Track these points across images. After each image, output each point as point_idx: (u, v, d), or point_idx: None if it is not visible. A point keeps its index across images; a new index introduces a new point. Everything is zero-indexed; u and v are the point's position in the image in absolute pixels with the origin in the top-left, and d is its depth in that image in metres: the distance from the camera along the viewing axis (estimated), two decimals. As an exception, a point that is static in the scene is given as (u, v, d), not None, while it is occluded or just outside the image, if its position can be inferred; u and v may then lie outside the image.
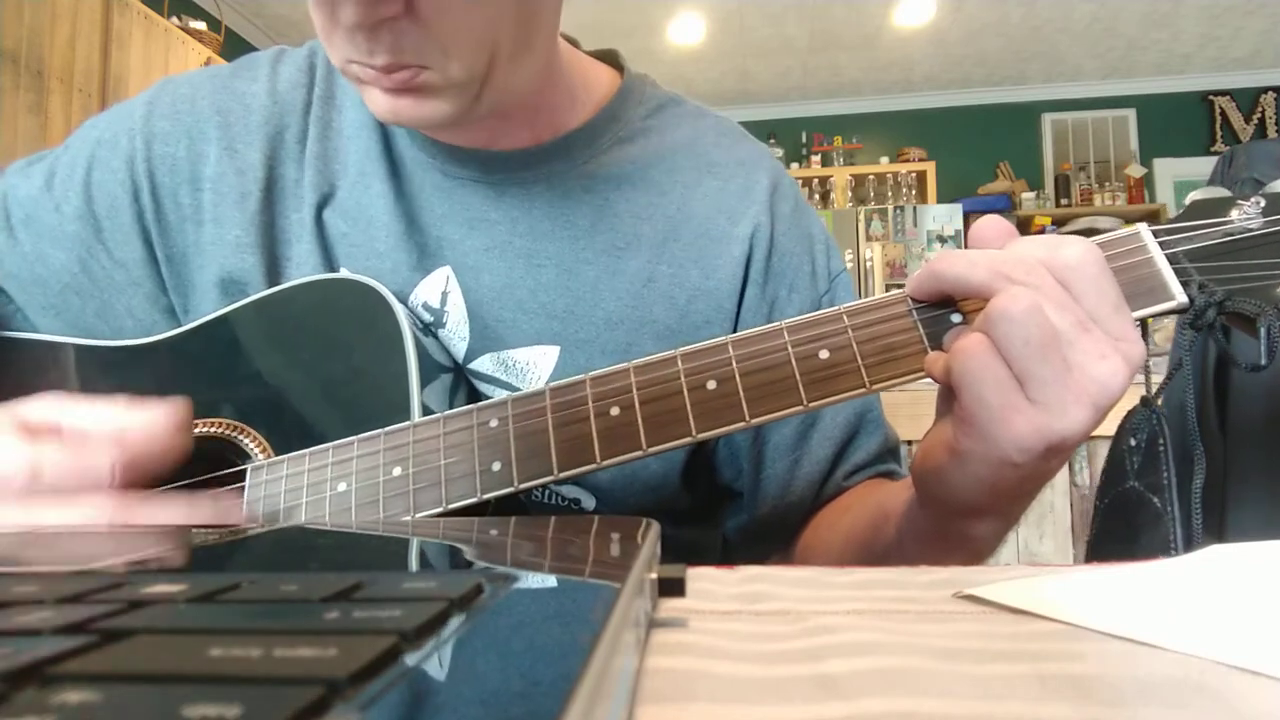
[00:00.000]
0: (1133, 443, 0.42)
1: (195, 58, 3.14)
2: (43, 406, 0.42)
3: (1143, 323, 0.39)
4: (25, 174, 0.62)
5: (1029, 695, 0.18)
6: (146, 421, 0.41)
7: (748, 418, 0.41)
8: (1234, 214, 0.40)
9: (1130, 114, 5.39)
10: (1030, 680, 0.19)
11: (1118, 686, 0.18)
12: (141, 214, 0.58)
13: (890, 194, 5.30)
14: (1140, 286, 0.39)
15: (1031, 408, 0.35)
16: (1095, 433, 0.42)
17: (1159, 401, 0.42)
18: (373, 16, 0.43)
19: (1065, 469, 1.78)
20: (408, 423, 0.45)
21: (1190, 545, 0.39)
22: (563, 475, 0.42)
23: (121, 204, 0.58)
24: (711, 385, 0.42)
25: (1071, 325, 0.36)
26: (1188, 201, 0.43)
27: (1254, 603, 0.24)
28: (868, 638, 0.22)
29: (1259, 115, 5.20)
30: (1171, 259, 0.40)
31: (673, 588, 0.25)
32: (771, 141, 5.40)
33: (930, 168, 5.28)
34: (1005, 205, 5.09)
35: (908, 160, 5.34)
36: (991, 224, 0.41)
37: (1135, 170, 5.27)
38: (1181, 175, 5.14)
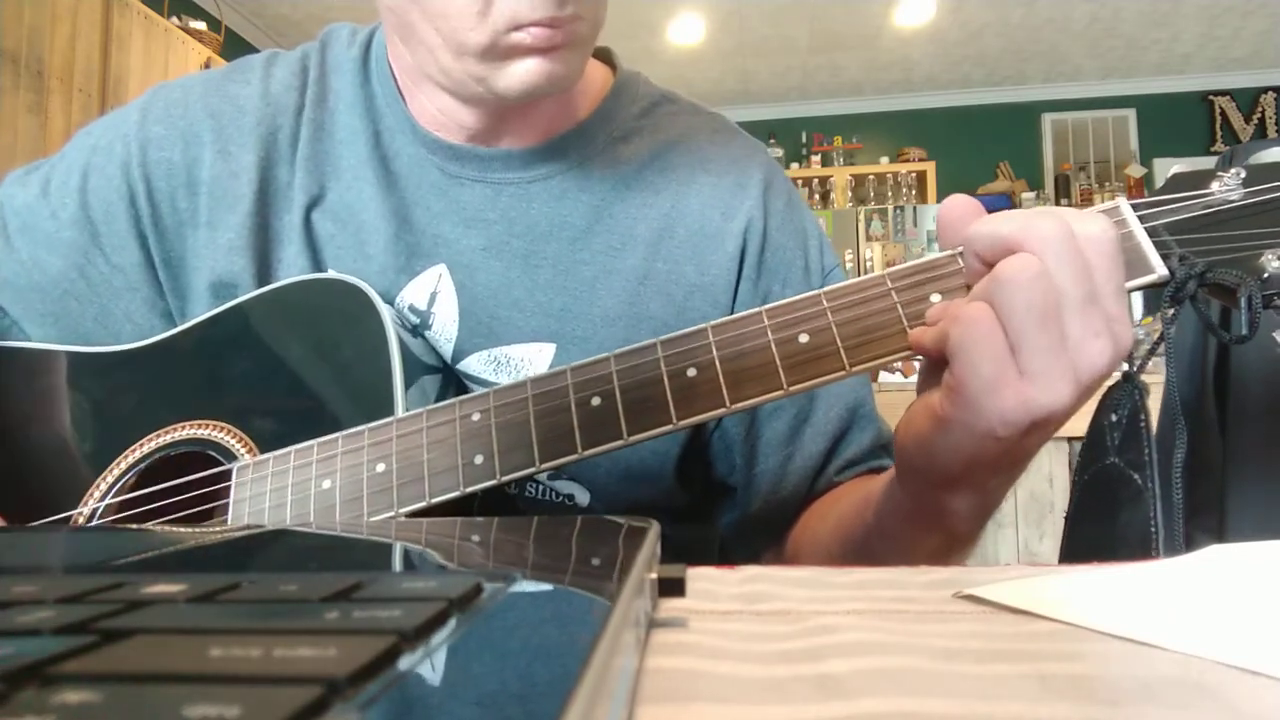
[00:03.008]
0: (1114, 418, 0.42)
1: (195, 58, 3.14)
2: None
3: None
4: (22, 182, 0.62)
5: (1029, 695, 0.18)
6: None
7: (728, 403, 0.41)
8: (1214, 186, 0.40)
9: (1130, 114, 5.39)
10: (1030, 680, 0.19)
11: (1118, 686, 0.18)
12: (138, 219, 0.58)
13: (890, 194, 5.30)
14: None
15: (1020, 380, 0.36)
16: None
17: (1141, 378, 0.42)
18: None
19: (1066, 470, 1.78)
20: (391, 418, 0.45)
21: (1171, 523, 0.39)
22: (544, 466, 0.42)
23: (118, 209, 0.58)
24: (692, 372, 0.42)
25: (1080, 297, 0.36)
26: (1169, 175, 0.43)
27: (1254, 603, 0.24)
28: (868, 638, 0.22)
29: (1259, 115, 5.20)
30: (1151, 232, 0.40)
31: (673, 588, 0.25)
32: (771, 141, 5.40)
33: (930, 168, 5.28)
34: (1005, 205, 5.09)
35: (908, 160, 5.35)
36: (958, 202, 0.41)
37: (1135, 170, 5.27)
38: (1181, 175, 5.14)
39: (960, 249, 0.41)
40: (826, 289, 0.42)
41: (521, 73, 0.50)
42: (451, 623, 0.16)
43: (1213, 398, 0.82)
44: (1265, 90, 5.16)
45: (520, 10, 0.47)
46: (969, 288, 0.40)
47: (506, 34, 0.48)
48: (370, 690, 0.12)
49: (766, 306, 0.42)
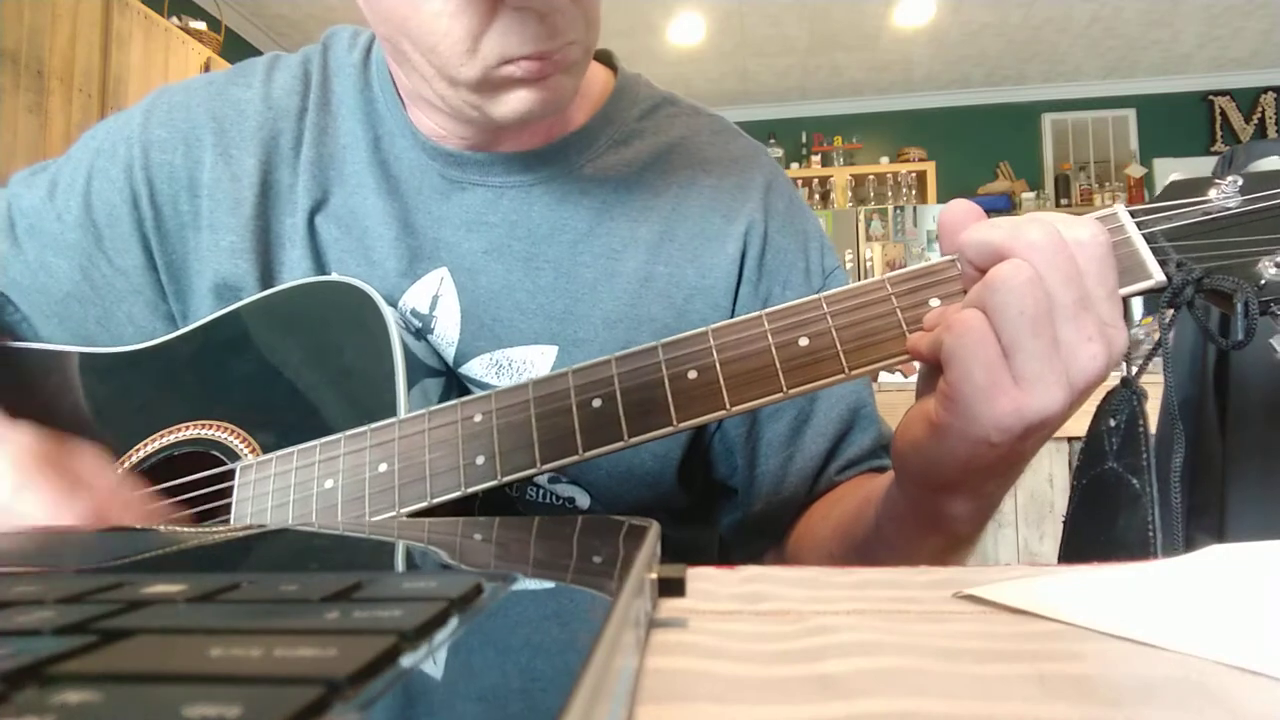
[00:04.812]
0: (1112, 423, 0.42)
1: (195, 58, 3.14)
2: (92, 462, 0.46)
3: (1126, 305, 0.39)
4: (29, 184, 0.62)
5: (1029, 695, 0.18)
6: (125, 510, 0.44)
7: (728, 406, 0.41)
8: (1212, 193, 0.40)
9: (1130, 114, 5.39)
10: (1030, 680, 0.19)
11: (1118, 686, 0.18)
12: (141, 221, 0.59)
13: (890, 194, 5.30)
14: (1118, 266, 0.39)
15: (1014, 387, 0.36)
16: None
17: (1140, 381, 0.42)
18: None
19: (1066, 470, 1.78)
20: (393, 419, 0.46)
21: (1169, 527, 0.39)
22: (546, 467, 0.42)
23: (121, 212, 0.59)
24: (692, 375, 0.42)
25: (1071, 301, 0.36)
26: (1167, 182, 0.43)
27: (1254, 603, 0.24)
28: (868, 638, 0.22)
29: (1259, 115, 5.20)
30: (1149, 239, 0.40)
31: (673, 588, 0.25)
32: (771, 141, 5.40)
33: (930, 168, 5.28)
34: (1005, 205, 5.09)
35: (908, 160, 5.35)
36: (958, 207, 0.41)
37: (1135, 170, 5.27)
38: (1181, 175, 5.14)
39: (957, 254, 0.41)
40: (826, 293, 0.42)
41: (515, 102, 0.50)
42: (452, 622, 0.16)
43: (1213, 399, 0.82)
44: (1265, 90, 5.17)
45: (509, 47, 0.47)
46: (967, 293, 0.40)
47: (497, 68, 0.48)
48: (371, 690, 0.12)
49: (767, 310, 0.42)
